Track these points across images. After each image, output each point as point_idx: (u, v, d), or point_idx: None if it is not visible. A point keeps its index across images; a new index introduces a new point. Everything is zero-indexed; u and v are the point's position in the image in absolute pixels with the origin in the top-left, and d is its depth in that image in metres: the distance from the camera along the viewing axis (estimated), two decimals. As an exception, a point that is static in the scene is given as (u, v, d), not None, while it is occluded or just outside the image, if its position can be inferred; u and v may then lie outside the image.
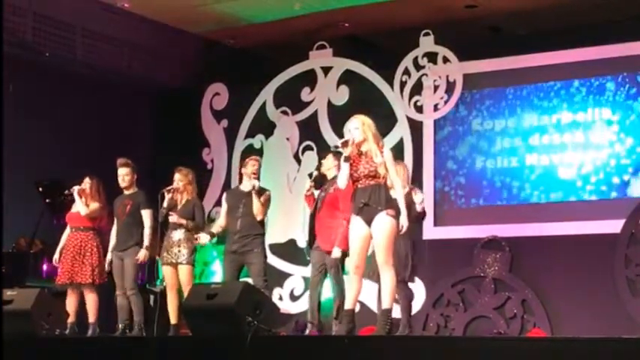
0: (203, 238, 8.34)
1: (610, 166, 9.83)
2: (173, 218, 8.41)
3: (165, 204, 8.45)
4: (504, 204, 10.30)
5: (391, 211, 6.45)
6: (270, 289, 9.23)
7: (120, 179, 8.61)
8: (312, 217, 8.16)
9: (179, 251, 8.41)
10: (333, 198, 7.90)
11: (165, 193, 8.48)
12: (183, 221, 8.41)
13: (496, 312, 9.90)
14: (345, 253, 7.69)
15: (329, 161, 8.20)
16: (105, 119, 11.26)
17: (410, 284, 9.15)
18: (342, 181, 6.63)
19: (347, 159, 6.54)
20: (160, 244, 8.54)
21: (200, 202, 8.71)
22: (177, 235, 8.44)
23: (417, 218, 7.94)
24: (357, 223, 6.52)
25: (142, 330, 8.43)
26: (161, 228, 8.56)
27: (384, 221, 6.43)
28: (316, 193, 8.28)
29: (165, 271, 8.53)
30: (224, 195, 8.69)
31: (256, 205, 8.28)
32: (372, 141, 6.56)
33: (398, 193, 6.57)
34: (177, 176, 8.58)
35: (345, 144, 6.58)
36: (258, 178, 8.44)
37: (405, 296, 7.96)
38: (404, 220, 6.51)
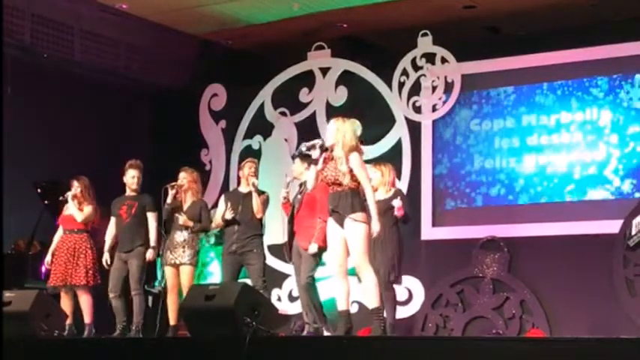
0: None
1: (608, 166, 9.83)
2: (180, 220, 8.44)
3: (168, 200, 8.49)
4: (503, 204, 10.29)
5: (358, 217, 6.49)
6: (269, 289, 9.22)
7: (132, 181, 8.65)
8: (291, 221, 8.16)
9: (183, 252, 8.44)
10: (311, 198, 7.88)
11: (169, 189, 8.52)
12: (190, 223, 8.45)
13: (495, 312, 9.90)
14: (321, 250, 7.72)
15: (297, 166, 8.17)
16: (103, 120, 11.25)
17: (407, 285, 9.17)
18: (310, 183, 6.80)
19: (315, 162, 6.63)
20: (159, 245, 8.55)
21: (206, 204, 8.74)
22: (182, 236, 8.47)
23: (396, 221, 7.94)
24: (332, 224, 6.64)
25: (140, 331, 8.43)
26: (160, 228, 8.56)
27: (351, 227, 6.52)
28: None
29: (167, 272, 8.54)
30: (222, 196, 8.71)
31: (256, 203, 8.30)
32: (342, 147, 6.59)
33: (368, 198, 6.59)
34: (182, 174, 8.63)
35: (313, 147, 6.65)
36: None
37: (390, 298, 7.94)
38: (374, 226, 6.53)
